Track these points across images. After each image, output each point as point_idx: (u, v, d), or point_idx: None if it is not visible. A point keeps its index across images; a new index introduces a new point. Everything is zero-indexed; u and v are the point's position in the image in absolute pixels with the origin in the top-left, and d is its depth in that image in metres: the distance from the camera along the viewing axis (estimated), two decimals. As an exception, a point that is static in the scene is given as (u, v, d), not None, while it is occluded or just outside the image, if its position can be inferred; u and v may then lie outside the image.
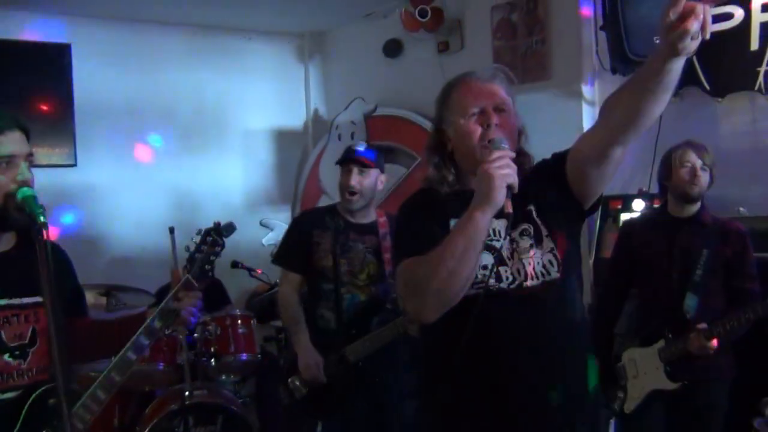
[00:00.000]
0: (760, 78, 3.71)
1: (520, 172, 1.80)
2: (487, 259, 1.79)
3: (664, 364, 2.90)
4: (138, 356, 1.82)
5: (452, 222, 1.82)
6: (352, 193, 3.02)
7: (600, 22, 4.02)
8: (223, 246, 1.94)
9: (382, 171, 3.13)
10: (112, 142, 4.77)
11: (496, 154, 1.69)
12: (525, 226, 1.84)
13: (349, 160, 3.05)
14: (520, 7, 4.47)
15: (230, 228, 1.97)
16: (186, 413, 3.44)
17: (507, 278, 1.81)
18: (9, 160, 1.73)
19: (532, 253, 1.81)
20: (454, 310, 1.75)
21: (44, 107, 4.58)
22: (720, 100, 3.87)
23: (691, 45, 1.43)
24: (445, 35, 4.85)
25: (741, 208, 3.69)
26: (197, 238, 1.95)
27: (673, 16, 1.40)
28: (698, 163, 2.95)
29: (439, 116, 1.93)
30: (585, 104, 4.28)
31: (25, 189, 1.70)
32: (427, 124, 4.74)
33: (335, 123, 5.43)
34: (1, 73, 4.36)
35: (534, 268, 1.81)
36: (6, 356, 1.75)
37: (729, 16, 3.77)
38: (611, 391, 3.03)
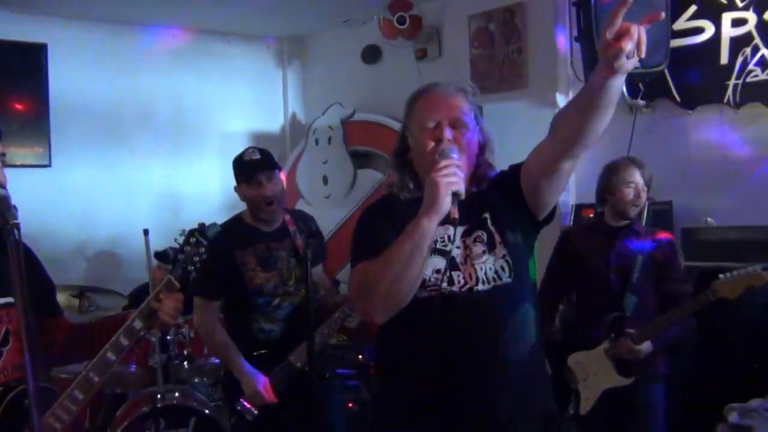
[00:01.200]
0: (729, 91, 3.78)
1: (481, 183, 1.89)
2: (441, 263, 1.82)
3: (613, 362, 2.97)
4: (118, 357, 1.80)
5: None
6: (270, 203, 2.92)
7: (575, 33, 4.07)
8: (206, 247, 1.93)
9: (281, 169, 3.08)
10: (88, 143, 4.71)
11: (443, 162, 1.73)
12: (479, 233, 1.88)
13: (256, 170, 2.93)
14: (497, 16, 4.50)
15: (213, 228, 1.96)
16: (157, 416, 3.40)
17: (459, 282, 1.84)
18: None
19: (484, 258, 1.85)
20: (407, 312, 1.79)
21: (19, 106, 4.52)
22: (690, 111, 3.93)
23: (627, 63, 1.47)
24: (423, 43, 4.88)
25: (709, 218, 3.75)
26: (180, 239, 1.93)
27: (609, 35, 1.44)
28: (640, 182, 3.04)
29: (405, 124, 1.97)
30: (559, 113, 4.33)
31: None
32: (404, 131, 4.76)
33: (313, 127, 5.43)
34: (-26, 72, 4.31)
35: (486, 273, 1.85)
36: None
37: (700, 31, 3.84)
38: (562, 396, 3.07)
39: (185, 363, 3.82)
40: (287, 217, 3.06)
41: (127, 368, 3.70)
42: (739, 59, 3.75)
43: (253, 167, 2.94)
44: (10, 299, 1.77)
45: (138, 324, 1.83)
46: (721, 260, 3.21)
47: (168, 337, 3.76)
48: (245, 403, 2.87)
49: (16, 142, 4.41)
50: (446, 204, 1.69)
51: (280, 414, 2.88)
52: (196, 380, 4.00)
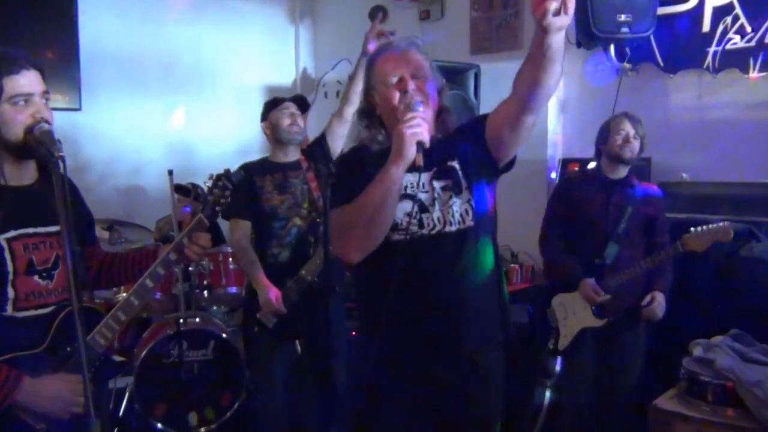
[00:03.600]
0: (709, 57, 3.75)
1: (444, 128, 1.93)
2: (410, 207, 1.87)
3: (590, 305, 3.04)
4: (155, 284, 1.84)
5: None
6: (294, 124, 3.11)
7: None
8: (231, 191, 1.95)
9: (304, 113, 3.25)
10: (115, 90, 4.66)
11: (409, 114, 1.76)
12: (447, 179, 1.92)
13: (284, 101, 3.17)
14: (497, -20, 4.43)
15: (238, 175, 1.99)
16: (181, 338, 3.46)
17: (428, 224, 1.88)
18: (27, 98, 1.72)
19: (451, 202, 1.89)
20: (380, 253, 1.84)
21: (51, 55, 4.45)
22: (672, 75, 3.91)
23: (557, 21, 1.51)
24: (427, 4, 4.80)
25: (684, 174, 3.77)
26: (209, 182, 1.96)
27: None
28: (632, 131, 3.05)
29: (367, 84, 1.99)
30: (551, 74, 4.28)
31: (43, 124, 1.68)
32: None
33: (322, 82, 5.39)
34: (8, 21, 4.22)
35: (452, 216, 1.89)
36: (36, 277, 1.77)
37: (685, 0, 3.79)
38: (545, 332, 3.18)
39: (205, 292, 3.87)
40: (302, 157, 3.19)
41: (152, 295, 3.73)
42: (720, 27, 3.71)
43: (283, 99, 3.22)
44: (58, 228, 1.79)
45: (173, 256, 1.87)
46: (694, 212, 3.25)
47: (190, 269, 3.80)
48: (265, 315, 3.01)
49: (49, 88, 4.35)
50: (411, 152, 1.73)
51: (294, 322, 3.00)
52: (215, 308, 4.07)
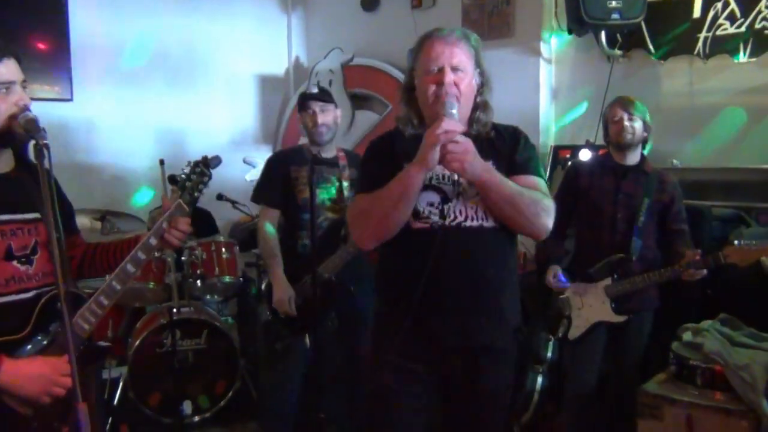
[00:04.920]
0: (699, 43, 3.75)
1: (480, 125, 1.94)
2: (435, 198, 1.90)
3: (610, 299, 2.98)
4: (136, 269, 1.85)
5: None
6: (319, 126, 3.05)
7: (560, -14, 4.00)
8: (210, 176, 1.95)
9: (337, 106, 3.17)
10: (106, 80, 4.64)
11: (444, 125, 1.76)
12: None
13: (309, 101, 3.10)
14: (488, -32, 4.41)
15: (217, 161, 1.98)
16: (174, 327, 3.47)
17: (450, 216, 1.89)
18: (8, 86, 1.72)
19: (477, 200, 1.90)
20: (402, 240, 1.88)
21: (42, 45, 4.44)
22: (663, 62, 3.91)
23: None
24: (419, -8, 4.78)
25: (674, 160, 3.78)
26: (187, 169, 1.95)
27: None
28: (625, 116, 3.00)
29: (412, 65, 2.00)
30: (543, 61, 4.29)
31: (28, 112, 1.69)
32: (400, 75, 4.70)
33: (315, 70, 5.36)
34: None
35: (476, 212, 1.90)
36: (15, 263, 1.78)
37: (676, -15, 3.79)
38: (555, 320, 3.12)
39: (198, 281, 3.87)
40: (341, 154, 3.18)
41: (146, 285, 3.75)
42: (711, 13, 3.71)
43: (308, 97, 3.15)
44: (37, 215, 1.81)
45: (153, 241, 1.87)
46: (686, 198, 3.23)
47: (182, 258, 3.81)
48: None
49: (40, 79, 4.35)
50: (435, 160, 1.77)
51: (309, 316, 2.96)
52: (208, 297, 4.08)
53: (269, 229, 3.09)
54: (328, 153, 3.14)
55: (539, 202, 1.88)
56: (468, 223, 1.90)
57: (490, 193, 1.83)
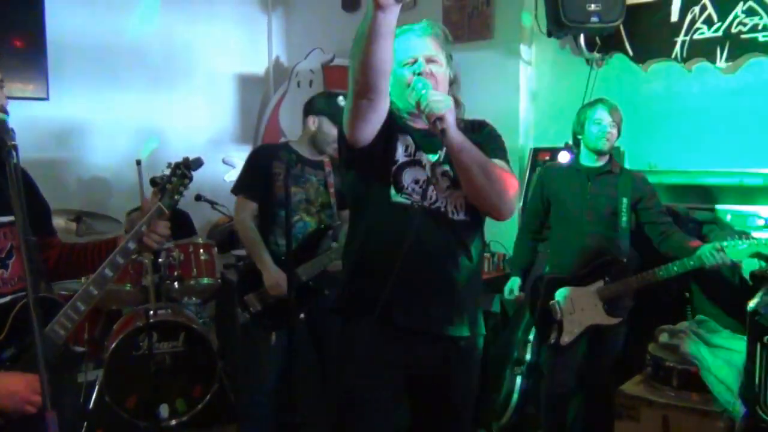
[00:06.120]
0: (677, 48, 3.79)
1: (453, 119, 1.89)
2: (420, 174, 1.91)
3: (603, 302, 2.99)
4: (114, 273, 1.82)
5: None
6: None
7: (539, -12, 4.02)
8: (191, 179, 1.93)
9: None
10: (84, 79, 4.59)
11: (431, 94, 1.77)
12: (448, 168, 1.92)
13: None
14: (468, -31, 4.42)
15: (198, 163, 1.96)
16: (150, 329, 3.43)
17: (431, 198, 1.91)
18: None
19: (447, 193, 1.92)
20: (380, 211, 1.89)
21: (18, 43, 4.37)
22: (641, 65, 3.94)
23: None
24: (400, -7, 4.76)
25: (652, 163, 3.81)
26: (167, 171, 1.93)
27: None
28: (609, 120, 3.00)
29: None
30: (523, 63, 4.30)
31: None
32: (380, 76, 4.69)
33: (295, 71, 5.34)
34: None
35: (446, 205, 1.93)
36: None
37: (654, -11, 3.82)
38: (544, 327, 3.11)
39: (175, 283, 3.84)
40: (326, 160, 3.16)
41: (122, 287, 3.71)
42: (689, 17, 3.74)
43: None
44: (12, 218, 1.77)
45: (132, 245, 1.85)
46: (663, 200, 3.26)
47: (160, 260, 3.77)
48: (252, 299, 3.02)
49: (16, 77, 4.29)
50: None
51: (278, 316, 2.98)
52: (186, 299, 4.04)
53: (248, 220, 3.08)
54: (315, 156, 3.13)
55: (510, 178, 1.89)
56: (443, 210, 1.92)
57: (463, 156, 1.79)
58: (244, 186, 3.14)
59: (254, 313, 3.04)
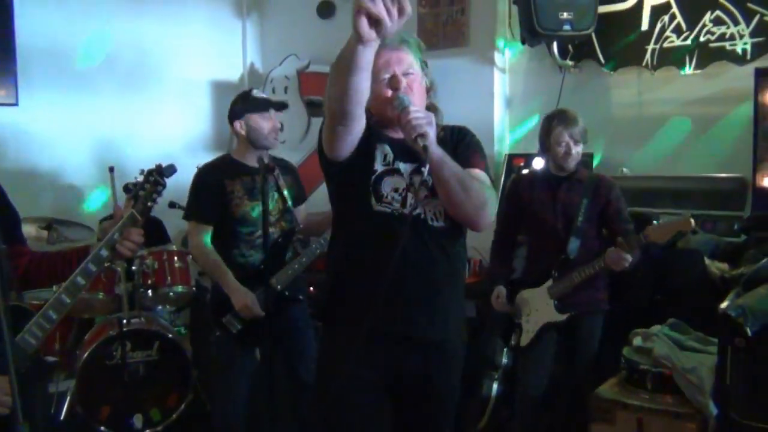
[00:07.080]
0: (647, 56, 3.86)
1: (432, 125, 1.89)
2: (399, 183, 1.93)
3: (554, 300, 3.05)
4: (87, 281, 1.79)
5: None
6: (275, 132, 3.03)
7: (513, -3, 4.06)
8: (164, 186, 1.91)
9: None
10: (54, 84, 4.50)
11: (412, 112, 1.77)
12: (427, 178, 1.93)
13: (269, 105, 3.05)
14: (443, -23, 4.45)
15: (171, 170, 1.94)
16: (123, 339, 3.39)
17: (410, 205, 1.92)
18: None
19: (427, 201, 1.93)
20: (360, 221, 1.90)
21: (-15, 48, 4.30)
22: (612, 73, 4.00)
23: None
24: (374, 0, 4.78)
25: (624, 169, 3.87)
26: (140, 177, 1.91)
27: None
28: (571, 141, 3.03)
29: None
30: (497, 71, 4.35)
31: None
32: (355, 82, 4.70)
33: (270, 77, 5.33)
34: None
35: (425, 213, 1.94)
36: None
37: (624, -1, 3.90)
38: (508, 328, 3.17)
39: (149, 291, 3.79)
40: (270, 161, 3.08)
41: (95, 296, 3.66)
42: (658, 26, 3.82)
43: (267, 102, 3.07)
44: None
45: (104, 252, 1.82)
46: (635, 205, 3.32)
47: (133, 268, 3.72)
48: (231, 320, 2.94)
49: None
50: (363, 28, 1.58)
51: (259, 330, 2.92)
52: (159, 308, 3.99)
53: (206, 242, 2.98)
54: (257, 163, 3.03)
55: (486, 192, 1.91)
56: (423, 217, 1.93)
57: (443, 171, 1.80)
58: (196, 211, 3.02)
59: (235, 333, 2.97)
